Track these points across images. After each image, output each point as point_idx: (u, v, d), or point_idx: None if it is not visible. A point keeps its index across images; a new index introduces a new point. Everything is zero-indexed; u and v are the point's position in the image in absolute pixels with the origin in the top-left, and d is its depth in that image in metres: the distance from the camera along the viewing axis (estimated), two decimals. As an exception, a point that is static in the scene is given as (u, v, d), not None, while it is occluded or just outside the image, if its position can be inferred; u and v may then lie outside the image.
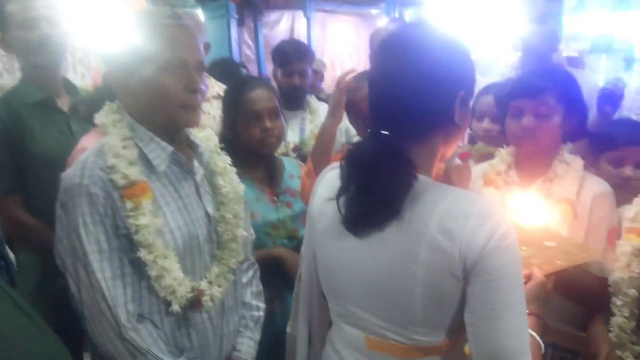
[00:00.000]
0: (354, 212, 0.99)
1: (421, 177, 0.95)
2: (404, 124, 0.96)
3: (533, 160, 1.59)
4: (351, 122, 1.87)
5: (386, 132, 0.96)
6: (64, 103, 1.82)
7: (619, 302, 1.37)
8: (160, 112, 1.19)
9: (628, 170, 1.66)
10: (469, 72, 1.01)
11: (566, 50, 5.31)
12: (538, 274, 1.17)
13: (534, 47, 2.08)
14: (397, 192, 0.94)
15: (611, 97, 1.87)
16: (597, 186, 1.53)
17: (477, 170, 1.72)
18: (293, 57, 2.57)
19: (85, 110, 1.69)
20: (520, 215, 1.27)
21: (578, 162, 1.56)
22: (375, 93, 1.01)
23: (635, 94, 3.17)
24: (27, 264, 1.79)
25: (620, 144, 1.68)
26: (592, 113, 2.05)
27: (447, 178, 1.55)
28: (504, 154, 1.66)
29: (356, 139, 2.04)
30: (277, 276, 1.73)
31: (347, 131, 2.52)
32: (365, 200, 0.97)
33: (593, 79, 2.17)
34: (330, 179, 1.10)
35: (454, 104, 0.97)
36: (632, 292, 1.35)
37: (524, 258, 1.02)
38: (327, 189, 1.08)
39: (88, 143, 1.50)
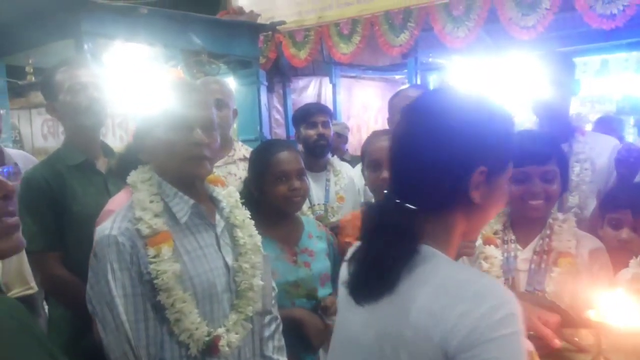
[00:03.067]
0: (354, 279, 0.94)
1: (425, 248, 0.88)
2: (417, 194, 0.90)
3: (530, 220, 1.65)
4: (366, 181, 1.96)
5: (397, 200, 0.91)
6: (102, 165, 1.94)
7: None
8: (173, 167, 1.33)
9: (624, 233, 1.72)
10: (496, 145, 0.90)
11: (592, 112, 5.35)
12: None
13: (548, 110, 2.15)
14: (393, 263, 0.87)
15: (626, 161, 1.90)
16: (590, 242, 1.61)
17: None
18: (314, 110, 2.73)
19: (116, 168, 1.81)
20: (611, 315, 1.12)
21: (571, 220, 1.64)
22: (393, 159, 0.96)
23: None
24: (61, 319, 1.85)
25: (619, 207, 1.72)
26: (613, 177, 2.06)
27: None
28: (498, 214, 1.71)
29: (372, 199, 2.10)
30: (295, 337, 1.72)
31: (365, 191, 2.58)
32: (366, 273, 0.92)
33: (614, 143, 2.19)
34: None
35: (469, 180, 0.88)
36: None
37: None
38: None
39: (115, 205, 1.59)
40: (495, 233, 1.69)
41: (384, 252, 0.88)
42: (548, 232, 1.63)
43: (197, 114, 1.33)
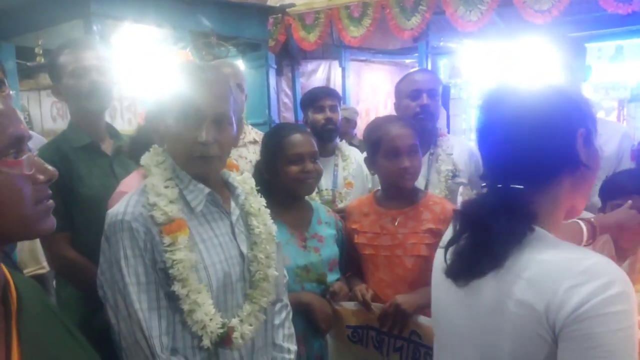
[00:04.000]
0: (459, 263, 0.97)
1: (536, 229, 0.90)
2: (520, 176, 0.92)
3: None
4: (369, 165, 1.93)
5: (500, 186, 0.94)
6: (107, 147, 1.93)
7: None
8: (179, 159, 1.29)
9: None
10: (585, 109, 0.96)
11: (606, 99, 5.28)
12: None
13: None
14: (504, 241, 0.89)
15: None
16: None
17: None
18: (322, 94, 2.68)
19: (129, 150, 1.80)
20: None
21: None
22: (486, 148, 0.99)
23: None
24: (70, 300, 1.87)
25: (620, 194, 1.68)
26: (626, 164, 2.03)
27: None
28: None
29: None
30: (304, 321, 1.74)
31: (373, 177, 2.55)
32: (474, 252, 0.94)
33: (623, 130, 2.17)
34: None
35: (575, 143, 0.92)
36: None
37: None
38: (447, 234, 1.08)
39: (127, 187, 1.59)
40: None
41: (496, 234, 0.89)
42: None
43: (209, 106, 1.24)
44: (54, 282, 2.40)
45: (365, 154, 1.97)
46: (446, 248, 1.00)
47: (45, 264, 2.64)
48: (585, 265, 0.82)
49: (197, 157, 1.25)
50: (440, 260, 1.04)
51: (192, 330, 1.23)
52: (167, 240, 1.21)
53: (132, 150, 1.72)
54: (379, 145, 1.84)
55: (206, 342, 1.23)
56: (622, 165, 2.01)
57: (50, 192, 0.87)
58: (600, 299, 0.78)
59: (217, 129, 1.25)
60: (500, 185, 0.94)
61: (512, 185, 0.92)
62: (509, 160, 0.94)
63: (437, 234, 1.73)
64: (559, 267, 0.83)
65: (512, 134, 0.93)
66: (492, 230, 0.90)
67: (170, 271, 1.20)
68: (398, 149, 1.80)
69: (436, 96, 2.31)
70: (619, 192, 1.70)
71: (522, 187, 0.91)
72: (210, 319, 1.23)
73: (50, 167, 0.85)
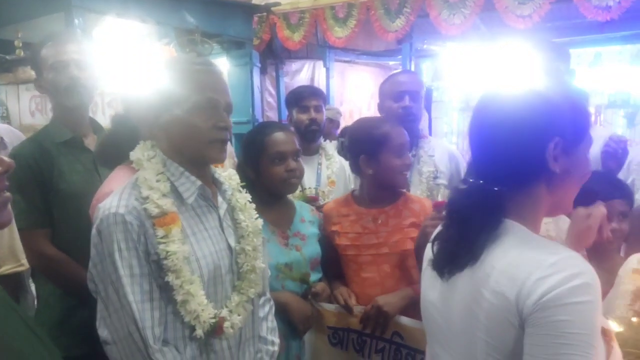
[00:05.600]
0: (442, 256, 1.03)
1: (508, 222, 0.96)
2: (497, 174, 0.97)
3: None
4: (352, 167, 1.94)
5: (482, 182, 0.99)
6: (90, 142, 1.91)
7: None
8: (191, 148, 1.30)
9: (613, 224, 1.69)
10: (564, 117, 0.95)
11: (583, 104, 5.36)
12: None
13: None
14: (478, 235, 0.95)
15: (614, 155, 1.91)
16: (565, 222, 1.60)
17: None
18: (307, 93, 2.67)
19: (103, 149, 1.77)
20: None
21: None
22: (472, 145, 1.05)
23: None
24: (49, 297, 1.84)
25: (591, 199, 1.71)
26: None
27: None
28: None
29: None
30: (282, 321, 1.73)
31: (355, 178, 2.57)
32: (453, 244, 1.00)
33: (607, 134, 2.20)
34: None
35: (544, 153, 0.94)
36: None
37: None
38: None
39: (112, 186, 1.57)
40: None
41: (470, 227, 0.96)
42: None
43: (223, 96, 1.32)
44: (30, 281, 2.37)
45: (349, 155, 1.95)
46: (433, 241, 1.06)
47: (24, 261, 2.59)
48: (555, 259, 0.86)
49: (215, 141, 1.30)
50: (428, 253, 1.10)
51: (185, 321, 1.25)
52: (160, 232, 1.23)
53: (104, 155, 1.69)
54: (382, 144, 1.82)
55: (199, 332, 1.25)
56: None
57: (7, 183, 0.84)
58: (564, 289, 0.82)
59: (227, 116, 1.33)
60: (481, 182, 0.99)
61: (490, 184, 0.97)
62: (490, 160, 1.00)
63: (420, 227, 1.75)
64: (531, 259, 0.87)
65: (492, 137, 0.98)
66: (470, 224, 0.96)
67: (164, 262, 1.22)
68: (402, 145, 1.84)
69: (419, 99, 2.33)
70: (586, 197, 1.72)
71: (500, 187, 0.96)
72: (203, 309, 1.26)
73: (6, 159, 0.83)
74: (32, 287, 2.26)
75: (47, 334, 0.94)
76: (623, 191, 1.72)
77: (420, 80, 2.50)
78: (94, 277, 1.26)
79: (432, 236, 1.10)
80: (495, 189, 0.96)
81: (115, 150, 1.55)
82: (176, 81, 1.28)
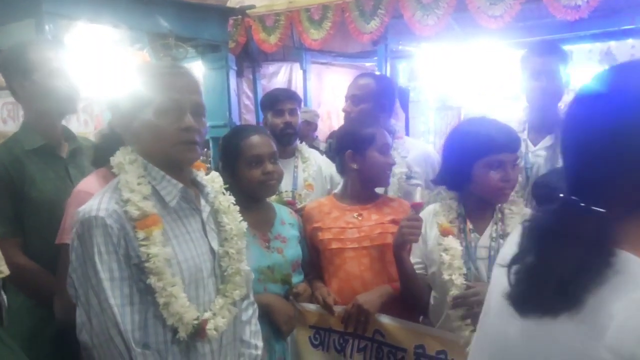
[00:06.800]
0: (522, 288, 0.80)
1: (621, 255, 0.72)
2: (610, 194, 0.75)
3: (483, 207, 1.71)
4: (338, 167, 1.98)
5: (582, 204, 0.76)
6: (63, 149, 1.88)
7: None
8: (159, 151, 1.29)
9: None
10: None
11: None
12: None
13: (534, 102, 2.22)
14: (578, 276, 0.72)
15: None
16: None
17: (427, 215, 1.81)
18: (282, 96, 2.68)
19: (92, 158, 1.76)
20: None
21: (518, 202, 1.72)
22: (566, 153, 0.84)
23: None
24: (21, 309, 1.80)
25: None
26: None
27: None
28: (450, 202, 1.75)
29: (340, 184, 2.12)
30: (265, 324, 1.73)
31: (331, 179, 2.58)
32: (539, 277, 0.78)
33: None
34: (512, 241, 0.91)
35: None
36: None
37: None
38: (509, 249, 0.89)
39: (87, 187, 1.56)
40: (452, 222, 1.72)
41: (565, 263, 0.74)
42: (500, 216, 1.69)
43: (188, 98, 1.30)
44: (1, 292, 2.32)
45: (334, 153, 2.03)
46: (509, 266, 0.84)
47: (2, 268, 2.53)
48: None
49: (182, 143, 1.28)
50: (500, 280, 0.87)
51: (168, 324, 1.24)
52: (141, 235, 1.22)
53: (97, 158, 1.69)
54: (369, 140, 1.92)
55: (182, 335, 1.24)
56: None
57: None
58: None
59: (196, 119, 1.30)
60: (582, 205, 0.76)
61: (595, 205, 0.74)
62: (600, 177, 0.76)
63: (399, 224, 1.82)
64: None
65: (608, 147, 0.75)
66: (564, 256, 0.75)
67: (146, 264, 1.21)
68: (387, 146, 1.96)
69: (371, 101, 2.36)
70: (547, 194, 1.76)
71: (612, 210, 0.74)
72: (186, 311, 1.25)
73: None
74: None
75: (19, 346, 0.92)
76: None
77: (373, 82, 2.42)
78: (73, 282, 1.24)
79: (509, 259, 0.85)
80: (603, 212, 0.74)
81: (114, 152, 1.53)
82: (142, 86, 1.28)
